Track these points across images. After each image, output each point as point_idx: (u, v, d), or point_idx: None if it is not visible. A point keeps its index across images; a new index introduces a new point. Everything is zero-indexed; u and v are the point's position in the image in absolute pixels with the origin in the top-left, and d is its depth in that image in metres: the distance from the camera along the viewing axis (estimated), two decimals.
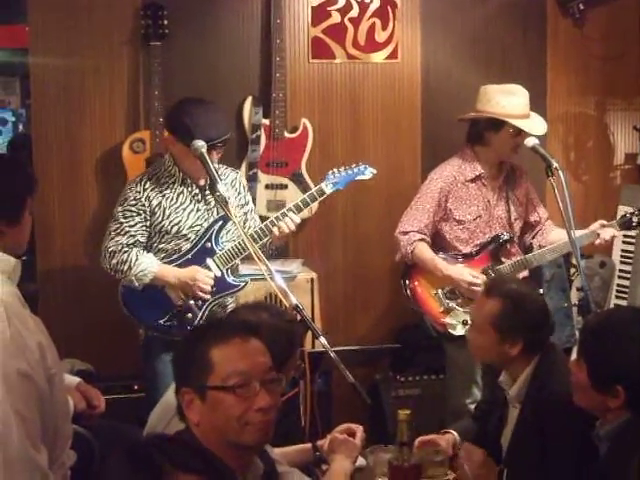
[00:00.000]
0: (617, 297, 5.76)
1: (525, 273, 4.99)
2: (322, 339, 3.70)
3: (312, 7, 5.54)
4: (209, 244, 4.53)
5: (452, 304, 4.88)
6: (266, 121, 5.38)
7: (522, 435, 3.55)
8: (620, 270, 5.79)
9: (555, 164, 4.38)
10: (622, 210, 5.71)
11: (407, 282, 5.02)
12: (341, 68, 5.64)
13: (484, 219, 4.94)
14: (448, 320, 4.84)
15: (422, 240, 4.93)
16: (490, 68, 5.80)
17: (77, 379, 3.81)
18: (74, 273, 5.34)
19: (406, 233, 4.95)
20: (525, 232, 5.17)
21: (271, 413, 2.62)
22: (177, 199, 4.51)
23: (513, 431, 3.65)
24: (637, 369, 2.98)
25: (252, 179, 5.36)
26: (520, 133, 4.82)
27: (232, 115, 5.43)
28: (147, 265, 4.42)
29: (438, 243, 5.01)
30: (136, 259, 4.42)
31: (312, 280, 5.28)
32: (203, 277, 4.46)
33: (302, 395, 4.08)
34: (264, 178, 5.39)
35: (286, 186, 5.40)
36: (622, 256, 5.81)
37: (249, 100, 5.39)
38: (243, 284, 4.62)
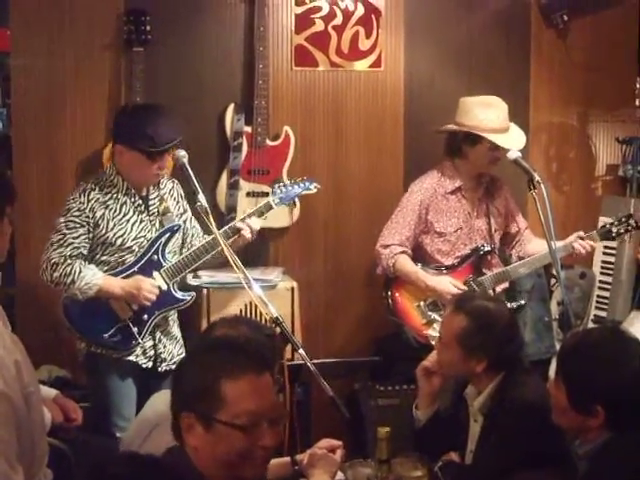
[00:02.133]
0: (597, 308, 5.77)
1: (506, 284, 4.99)
2: (301, 352, 3.69)
3: (295, 15, 5.52)
4: (155, 257, 4.47)
5: (434, 316, 4.88)
6: (248, 128, 5.35)
7: (488, 444, 3.56)
8: (600, 281, 5.80)
9: (537, 177, 4.37)
10: (603, 221, 5.72)
11: (389, 295, 5.03)
12: (324, 76, 5.62)
13: (465, 231, 4.95)
14: (430, 332, 4.83)
15: (403, 253, 4.94)
16: (473, 78, 5.80)
17: (54, 391, 3.79)
18: None
19: (387, 246, 4.96)
20: (504, 243, 5.17)
21: (273, 449, 2.62)
22: (120, 210, 4.45)
23: (477, 444, 3.66)
24: (616, 389, 2.99)
25: (233, 187, 5.34)
26: (498, 147, 4.82)
27: (214, 122, 5.41)
28: (91, 277, 4.34)
29: (419, 256, 5.02)
30: (79, 271, 4.33)
31: (292, 289, 5.25)
32: (148, 286, 4.39)
33: None
34: (245, 186, 5.36)
35: (267, 194, 5.35)
36: (602, 267, 5.83)
37: (231, 107, 5.36)
38: (190, 298, 4.58)
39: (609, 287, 5.77)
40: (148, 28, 5.16)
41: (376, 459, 3.32)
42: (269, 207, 4.64)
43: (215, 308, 4.99)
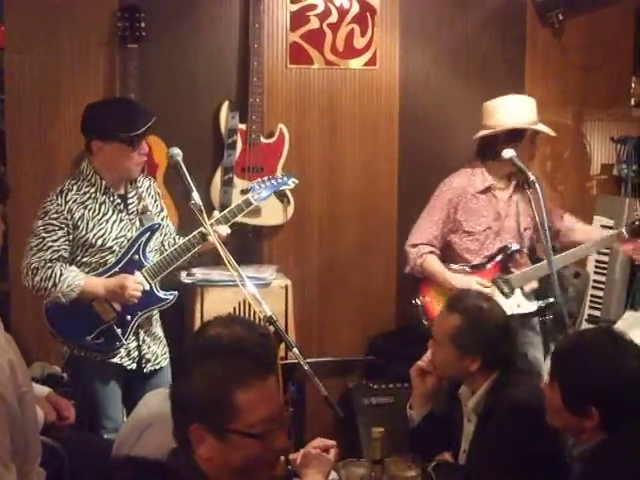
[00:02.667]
0: (591, 307, 5.77)
1: (535, 283, 5.00)
2: (295, 351, 3.67)
3: (291, 12, 5.51)
4: (137, 256, 4.40)
5: None
6: (242, 126, 5.34)
7: (482, 446, 3.56)
8: (594, 281, 5.80)
9: (532, 177, 4.38)
10: (597, 220, 5.74)
11: (418, 295, 5.01)
12: (319, 74, 5.61)
13: (494, 230, 4.92)
14: None
15: (431, 252, 4.94)
16: (469, 76, 5.80)
17: (47, 389, 3.78)
18: None
19: (415, 246, 4.96)
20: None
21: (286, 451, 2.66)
22: (99, 210, 4.37)
23: (471, 444, 3.65)
24: (611, 390, 2.98)
25: (227, 184, 5.33)
26: (534, 141, 4.84)
27: (208, 119, 5.40)
28: (73, 279, 4.27)
29: (448, 254, 5.01)
30: (60, 274, 4.25)
31: (286, 287, 5.24)
32: (132, 284, 4.32)
33: None
34: (240, 183, 5.35)
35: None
36: (596, 267, 5.83)
37: (226, 105, 5.35)
38: (172, 297, 4.51)
39: (603, 286, 5.77)
40: (142, 25, 5.14)
41: (370, 459, 3.31)
42: (249, 203, 4.58)
43: (209, 306, 4.97)
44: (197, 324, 4.86)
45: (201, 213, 4.06)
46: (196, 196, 4.07)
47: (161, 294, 4.48)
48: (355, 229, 5.74)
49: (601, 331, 3.65)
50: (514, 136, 4.82)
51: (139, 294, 4.35)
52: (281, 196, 5.28)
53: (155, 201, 4.59)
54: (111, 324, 4.38)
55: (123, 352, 4.44)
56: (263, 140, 5.39)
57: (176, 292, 4.55)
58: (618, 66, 6.03)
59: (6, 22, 5.25)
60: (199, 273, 5.08)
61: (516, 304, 4.82)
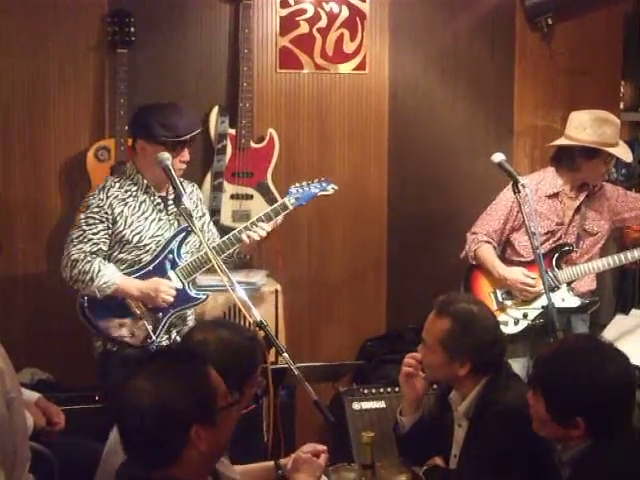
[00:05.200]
0: None
1: (593, 285, 5.13)
2: (286, 356, 3.66)
3: (280, 17, 5.51)
4: (171, 256, 4.48)
5: (507, 302, 5.00)
6: (232, 131, 5.34)
7: (473, 451, 3.55)
8: None
9: (521, 181, 4.38)
10: None
11: (467, 280, 5.13)
12: (309, 78, 5.62)
13: (555, 234, 5.02)
14: (501, 318, 4.86)
15: (488, 243, 5.04)
16: (458, 81, 5.81)
17: (37, 395, 3.77)
18: (36, 280, 5.28)
19: (474, 233, 5.08)
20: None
21: None
22: (139, 208, 4.47)
23: (462, 449, 3.65)
24: (595, 399, 2.97)
25: (217, 189, 5.33)
26: (611, 160, 4.97)
27: None
28: (110, 277, 4.36)
29: (506, 249, 5.13)
30: (98, 270, 4.35)
31: (276, 291, 5.24)
32: (166, 288, 4.42)
33: (265, 411, 4.05)
34: (229, 188, 5.35)
35: (251, 196, 5.36)
36: None
37: (215, 109, 5.35)
38: (204, 297, 4.57)
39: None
40: (132, 29, 5.15)
41: (360, 463, 3.30)
42: (285, 207, 4.57)
43: (198, 311, 4.96)
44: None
45: (190, 218, 4.05)
46: (186, 200, 4.06)
47: (193, 293, 4.54)
48: (345, 233, 5.75)
49: (582, 338, 3.66)
50: (590, 152, 4.92)
51: (172, 299, 4.43)
52: (271, 201, 5.27)
53: (197, 206, 4.65)
54: (142, 319, 4.43)
55: (153, 348, 4.46)
56: (253, 145, 5.39)
57: (209, 292, 4.60)
58: (607, 70, 6.05)
59: None
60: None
61: (560, 298, 4.93)
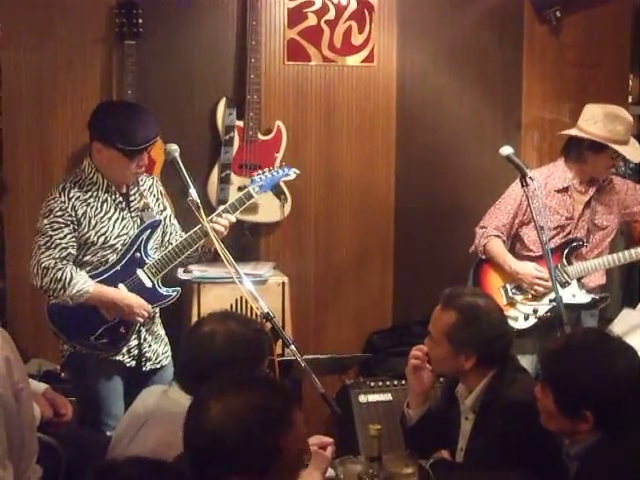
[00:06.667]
0: None
1: (603, 280, 5.12)
2: (292, 348, 3.67)
3: (288, 9, 5.50)
4: (138, 254, 4.38)
5: (517, 297, 4.99)
6: (240, 123, 5.34)
7: (480, 443, 3.55)
8: None
9: (529, 174, 4.38)
10: None
11: (477, 275, 5.11)
12: (316, 71, 5.61)
13: (565, 229, 5.02)
14: (510, 313, 4.88)
15: (497, 237, 5.03)
16: (466, 73, 5.79)
17: (44, 385, 3.77)
18: None
19: (483, 228, 5.07)
20: None
21: None
22: (102, 207, 4.35)
23: (468, 442, 3.65)
24: (603, 393, 2.97)
25: (225, 181, 5.33)
26: (618, 156, 4.93)
27: (205, 116, 5.40)
28: (82, 285, 4.24)
29: (515, 244, 5.12)
30: (71, 278, 4.22)
31: (283, 284, 5.24)
32: (140, 310, 4.32)
33: None
34: (237, 180, 5.35)
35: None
36: None
37: (223, 101, 5.35)
38: (175, 294, 4.49)
39: None
40: (140, 21, 5.14)
41: (367, 456, 3.30)
42: (249, 196, 4.54)
43: (206, 303, 4.97)
44: (194, 321, 4.85)
45: (198, 210, 4.04)
46: (193, 193, 4.06)
47: (163, 291, 4.46)
48: (352, 226, 5.74)
49: (590, 332, 3.65)
50: (597, 146, 4.91)
51: (142, 320, 4.37)
52: (278, 193, 5.27)
53: (157, 200, 4.56)
54: (114, 323, 4.37)
55: (124, 350, 4.43)
56: (260, 137, 5.39)
57: (179, 289, 4.53)
58: (615, 63, 6.03)
59: (2, 19, 5.23)
60: (196, 270, 5.07)
61: (571, 294, 4.93)
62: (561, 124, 5.82)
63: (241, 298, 4.95)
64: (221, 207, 4.55)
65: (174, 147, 4.24)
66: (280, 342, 3.78)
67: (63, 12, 5.21)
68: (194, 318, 4.94)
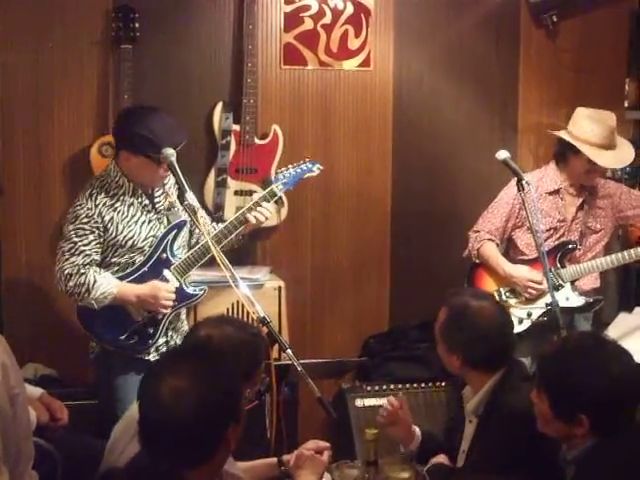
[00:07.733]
0: None
1: (597, 283, 5.13)
2: (289, 352, 3.67)
3: (285, 13, 5.50)
4: (164, 255, 4.44)
5: (510, 302, 4.98)
6: (236, 127, 5.33)
7: (479, 449, 3.55)
8: None
9: (525, 178, 4.38)
10: None
11: (470, 279, 5.12)
12: (313, 75, 5.61)
13: (558, 231, 5.03)
14: None
15: (491, 240, 5.04)
16: (462, 78, 5.80)
17: (40, 390, 3.77)
18: (39, 277, 5.26)
19: (477, 232, 5.09)
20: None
21: None
22: (128, 211, 4.40)
23: (470, 446, 3.65)
24: (599, 397, 2.97)
25: (221, 185, 5.32)
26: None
27: (202, 120, 5.39)
28: (106, 287, 4.29)
29: (509, 247, 5.15)
30: (94, 281, 4.27)
31: (280, 288, 5.23)
32: (165, 294, 4.37)
33: (268, 408, 4.05)
34: (233, 184, 5.35)
35: (255, 192, 5.35)
36: None
37: (219, 105, 5.34)
38: (202, 293, 4.55)
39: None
40: (136, 25, 5.14)
41: (363, 460, 3.30)
42: (273, 194, 4.58)
43: (202, 307, 4.96)
44: (190, 325, 4.85)
45: (194, 214, 4.04)
46: (190, 197, 4.05)
47: (190, 290, 4.52)
48: (348, 230, 5.74)
49: (585, 336, 3.65)
50: (572, 147, 4.94)
51: (171, 304, 4.40)
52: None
53: None
54: (143, 323, 4.42)
55: (152, 349, 4.45)
56: (257, 141, 5.38)
57: (205, 287, 4.58)
58: (612, 68, 6.03)
59: None
60: (192, 274, 5.05)
61: (564, 297, 4.92)
62: (557, 128, 5.82)
63: (237, 302, 4.95)
64: (255, 196, 4.61)
65: (170, 151, 4.23)
66: (276, 346, 3.76)
67: (60, 16, 5.20)
68: (190, 322, 4.94)
